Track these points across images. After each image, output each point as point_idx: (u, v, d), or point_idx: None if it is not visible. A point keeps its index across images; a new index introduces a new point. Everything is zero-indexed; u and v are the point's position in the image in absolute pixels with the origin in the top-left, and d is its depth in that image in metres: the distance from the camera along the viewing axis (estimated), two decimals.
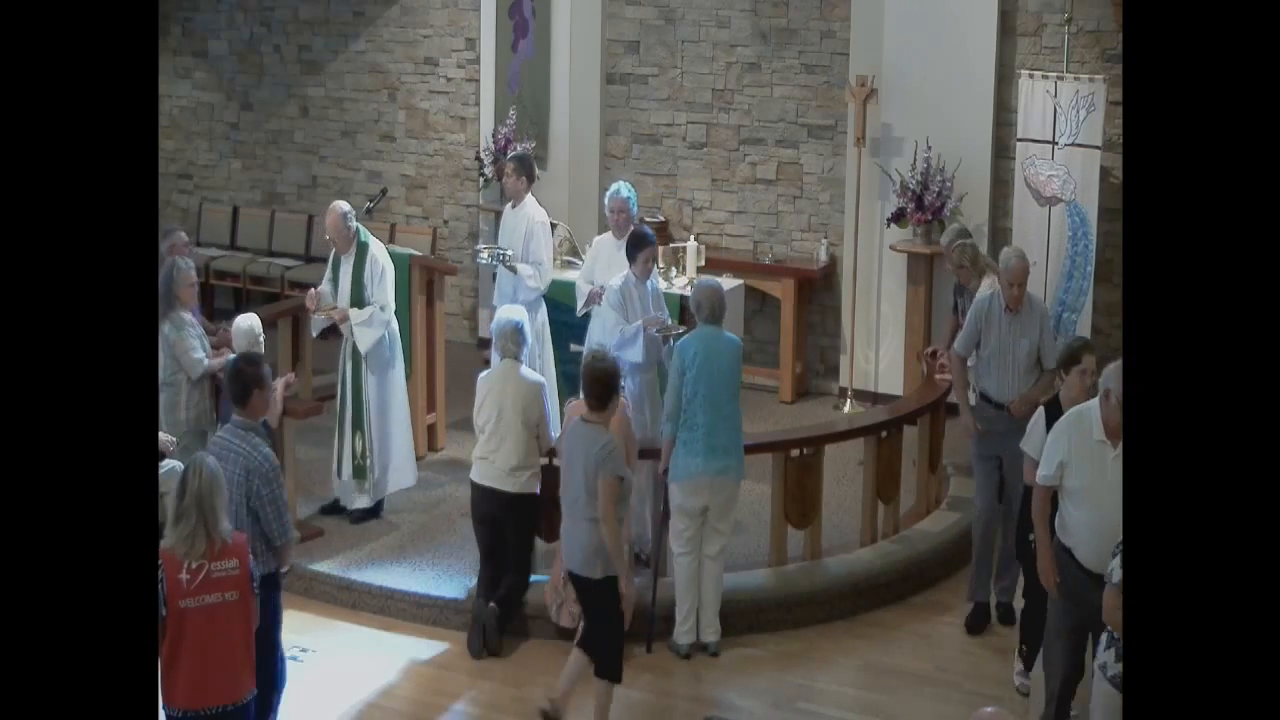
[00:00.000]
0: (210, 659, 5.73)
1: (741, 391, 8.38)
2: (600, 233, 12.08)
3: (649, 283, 9.12)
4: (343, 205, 9.58)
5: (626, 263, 9.25)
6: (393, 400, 9.67)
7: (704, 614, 8.21)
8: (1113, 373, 6.38)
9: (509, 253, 10.08)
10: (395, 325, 9.64)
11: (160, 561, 5.61)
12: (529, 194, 10.26)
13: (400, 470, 9.77)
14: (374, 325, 9.44)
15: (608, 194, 9.85)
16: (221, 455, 6.45)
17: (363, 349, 9.47)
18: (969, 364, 8.70)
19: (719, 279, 9.16)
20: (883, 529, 9.27)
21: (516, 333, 8.40)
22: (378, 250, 9.54)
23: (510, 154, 10.92)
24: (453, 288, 12.72)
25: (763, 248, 12.19)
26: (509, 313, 8.64)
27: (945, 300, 11.44)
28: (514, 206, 10.27)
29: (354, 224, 9.49)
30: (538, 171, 12.47)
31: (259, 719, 6.40)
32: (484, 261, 10.46)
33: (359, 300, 9.44)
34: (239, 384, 6.71)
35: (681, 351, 8.18)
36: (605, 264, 9.63)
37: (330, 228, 9.52)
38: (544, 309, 10.11)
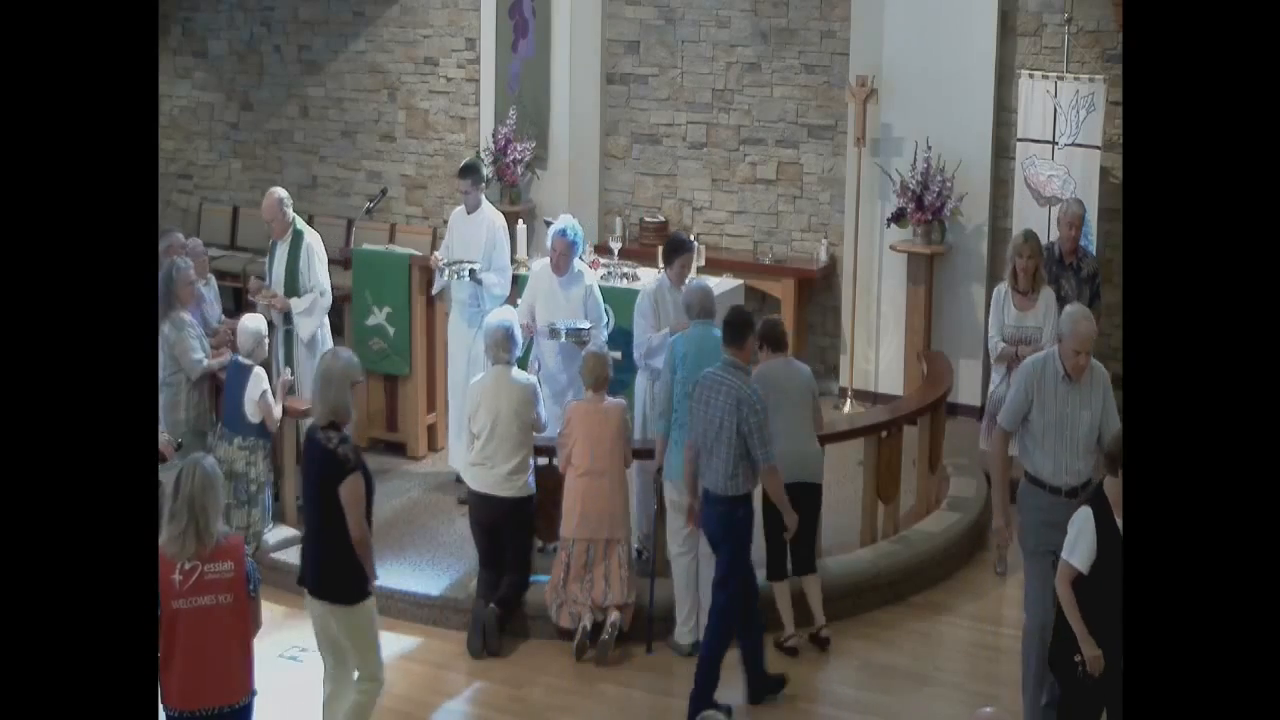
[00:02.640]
0: (203, 661, 5.71)
1: None
2: (600, 236, 12.12)
3: (682, 289, 8.94)
4: (281, 191, 9.75)
5: (565, 298, 9.24)
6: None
7: (703, 614, 8.19)
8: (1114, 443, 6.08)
9: (475, 265, 9.69)
10: (329, 302, 9.76)
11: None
12: (484, 199, 10.00)
13: None
14: (314, 313, 9.58)
15: (552, 230, 9.38)
16: (715, 389, 7.42)
17: (304, 337, 9.58)
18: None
19: (708, 280, 9.15)
20: (883, 529, 9.27)
21: (507, 337, 8.39)
22: (313, 240, 9.69)
23: (462, 165, 10.21)
24: None
25: (763, 248, 12.19)
26: (498, 316, 8.61)
27: (946, 300, 11.46)
28: (470, 213, 9.91)
29: (290, 211, 9.66)
30: (537, 172, 12.58)
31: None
32: (444, 279, 9.94)
33: (292, 288, 9.55)
34: (735, 328, 7.55)
35: (672, 349, 8.19)
36: (545, 298, 9.34)
37: (266, 209, 9.66)
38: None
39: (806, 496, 8.14)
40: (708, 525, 7.65)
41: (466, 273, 9.72)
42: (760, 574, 8.00)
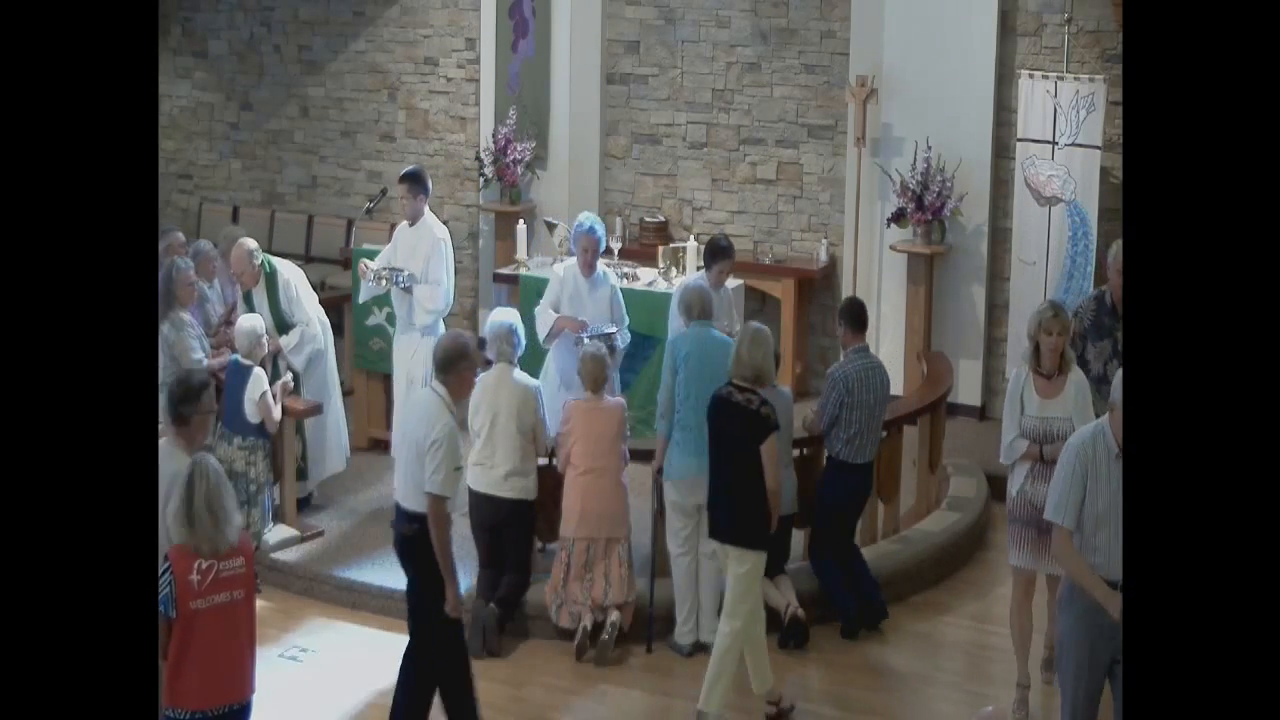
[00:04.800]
0: (221, 659, 5.73)
1: None
2: (579, 218, 12.06)
3: (721, 291, 9.04)
4: (250, 242, 9.52)
5: (591, 299, 9.21)
6: (324, 395, 9.68)
7: (703, 614, 8.21)
8: None
9: (405, 273, 9.41)
10: (318, 328, 9.61)
11: (169, 563, 5.61)
12: (427, 210, 9.60)
13: (333, 458, 9.78)
14: (304, 346, 9.47)
15: (579, 229, 9.31)
16: (872, 374, 8.24)
17: (299, 369, 9.47)
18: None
19: (703, 280, 9.16)
20: (883, 529, 9.27)
21: (510, 334, 8.39)
22: (287, 272, 9.54)
23: (403, 172, 9.81)
24: None
25: (763, 248, 12.19)
26: (502, 315, 8.61)
27: (946, 300, 11.45)
28: (412, 225, 9.55)
29: (259, 258, 9.45)
30: (537, 172, 12.57)
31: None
32: (371, 287, 9.67)
33: (281, 325, 9.43)
34: (861, 316, 8.43)
35: (673, 350, 8.19)
36: (571, 300, 9.29)
37: (236, 262, 9.44)
38: (442, 331, 9.53)
39: (782, 525, 8.26)
40: (861, 487, 8.54)
41: (398, 281, 9.41)
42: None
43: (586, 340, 9.01)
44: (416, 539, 6.77)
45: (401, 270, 9.44)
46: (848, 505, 8.54)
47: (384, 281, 9.50)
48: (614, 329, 9.20)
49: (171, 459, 6.05)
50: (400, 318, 9.69)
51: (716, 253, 9.06)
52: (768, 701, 7.58)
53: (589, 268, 9.30)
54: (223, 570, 5.71)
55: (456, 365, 6.87)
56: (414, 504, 6.79)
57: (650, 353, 9.64)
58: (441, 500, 6.69)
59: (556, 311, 9.29)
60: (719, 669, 7.39)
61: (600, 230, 9.36)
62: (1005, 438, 7.43)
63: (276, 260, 9.67)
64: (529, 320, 9.21)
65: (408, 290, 9.47)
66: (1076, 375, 7.39)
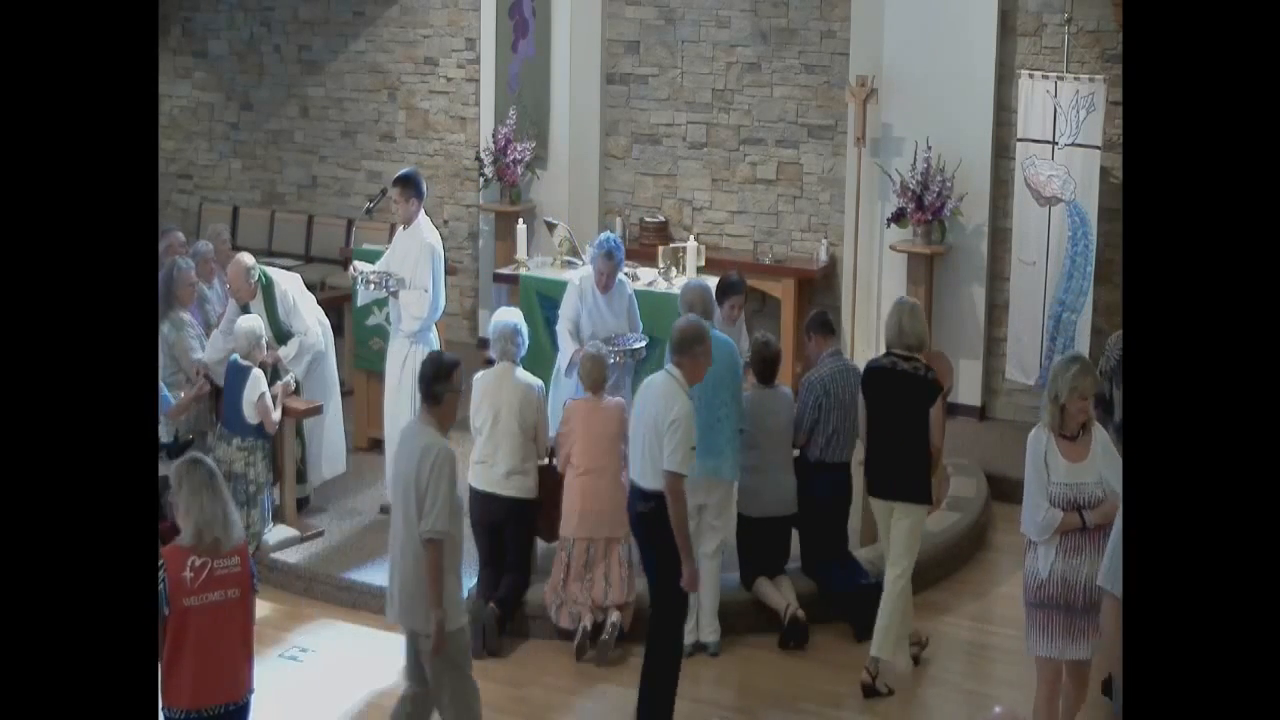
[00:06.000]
0: (214, 657, 5.73)
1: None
2: (599, 237, 12.07)
3: (733, 328, 8.97)
4: (247, 258, 9.48)
5: (611, 312, 9.15)
6: (325, 397, 9.70)
7: (703, 614, 8.20)
8: None
9: (394, 277, 9.25)
10: (318, 333, 9.62)
11: (162, 560, 5.61)
12: (421, 214, 9.39)
13: (332, 460, 9.79)
14: (302, 356, 9.47)
15: (596, 251, 9.14)
16: (848, 374, 8.47)
17: (299, 376, 9.45)
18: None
19: (705, 279, 9.13)
20: None
21: (514, 335, 8.39)
22: (284, 282, 9.52)
23: (396, 175, 9.52)
24: (453, 288, 12.69)
25: (763, 248, 12.19)
26: (506, 315, 8.62)
27: (946, 300, 11.46)
28: (405, 229, 9.39)
29: (256, 274, 9.41)
30: (537, 172, 12.57)
31: None
32: (362, 289, 9.66)
33: (280, 336, 9.41)
34: (828, 324, 8.69)
35: None
36: (590, 314, 9.19)
37: (233, 279, 9.42)
38: (434, 339, 9.44)
39: (783, 527, 8.53)
40: (843, 486, 8.67)
41: (387, 285, 9.31)
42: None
43: (611, 355, 8.91)
44: (652, 516, 7.09)
45: (391, 275, 9.34)
46: (832, 504, 8.56)
47: (371, 285, 9.44)
48: (641, 343, 9.16)
49: (422, 435, 6.45)
50: (393, 322, 9.65)
51: (727, 288, 9.00)
52: (911, 643, 8.05)
53: (606, 288, 9.20)
54: (217, 568, 5.71)
55: (692, 348, 7.12)
56: (651, 483, 7.07)
57: (650, 353, 9.62)
58: (679, 478, 6.96)
59: (575, 329, 9.16)
60: (890, 615, 7.80)
61: (620, 254, 9.21)
62: (1035, 513, 6.59)
63: (272, 271, 9.62)
64: (530, 320, 9.19)
65: (394, 295, 9.39)
66: (1098, 431, 6.72)
